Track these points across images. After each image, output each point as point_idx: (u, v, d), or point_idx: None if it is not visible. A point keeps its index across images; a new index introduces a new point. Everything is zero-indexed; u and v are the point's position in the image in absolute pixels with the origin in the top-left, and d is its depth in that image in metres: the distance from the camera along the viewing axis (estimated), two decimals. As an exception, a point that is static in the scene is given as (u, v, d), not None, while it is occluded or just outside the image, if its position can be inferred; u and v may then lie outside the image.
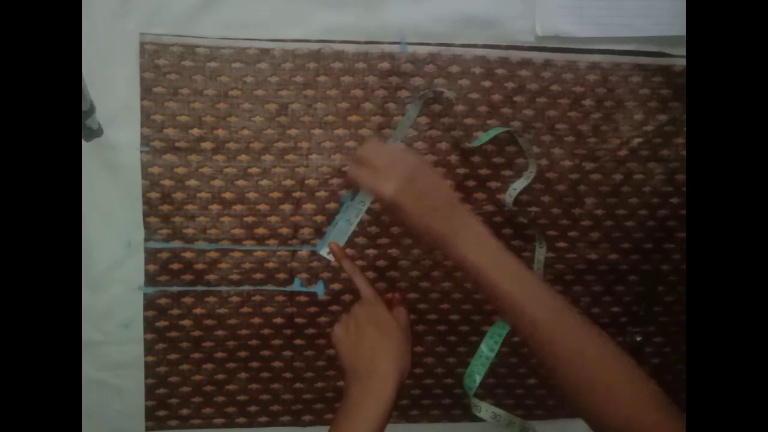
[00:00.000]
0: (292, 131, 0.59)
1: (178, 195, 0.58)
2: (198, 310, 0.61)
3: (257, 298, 0.61)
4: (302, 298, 0.62)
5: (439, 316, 0.63)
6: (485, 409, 0.58)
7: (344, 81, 0.58)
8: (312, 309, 0.62)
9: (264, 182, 0.59)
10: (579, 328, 0.44)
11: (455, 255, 0.46)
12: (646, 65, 0.61)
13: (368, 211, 0.59)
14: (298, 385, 0.64)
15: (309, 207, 0.60)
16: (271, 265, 0.60)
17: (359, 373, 0.50)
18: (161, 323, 0.60)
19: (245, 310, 0.61)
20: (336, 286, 0.62)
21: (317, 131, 0.59)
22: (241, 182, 0.59)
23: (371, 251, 0.61)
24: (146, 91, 0.56)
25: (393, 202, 0.46)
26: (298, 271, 0.61)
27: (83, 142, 0.56)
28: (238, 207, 0.59)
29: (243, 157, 0.58)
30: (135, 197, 0.58)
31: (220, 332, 0.61)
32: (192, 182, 0.58)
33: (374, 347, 0.50)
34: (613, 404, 0.41)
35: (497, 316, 0.63)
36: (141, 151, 0.57)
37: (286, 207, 0.60)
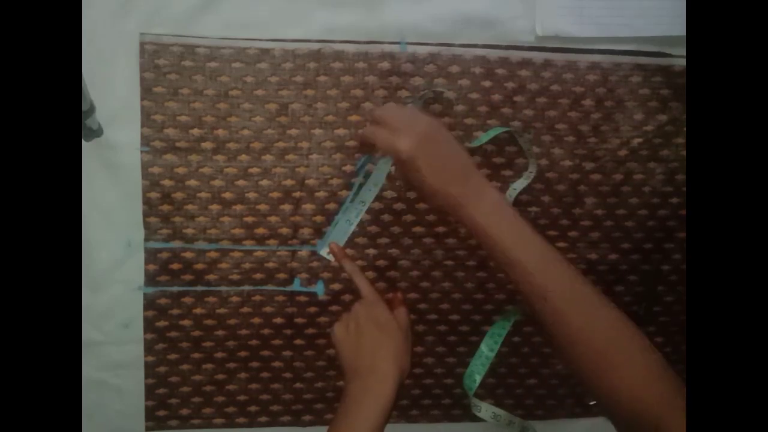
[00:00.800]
0: (293, 131, 0.59)
1: (178, 195, 0.58)
2: (198, 310, 0.61)
3: (257, 298, 0.61)
4: (302, 298, 0.62)
5: (439, 316, 0.63)
6: (485, 409, 0.58)
7: (344, 81, 0.58)
8: (312, 309, 0.62)
9: (264, 182, 0.59)
10: (591, 298, 0.44)
11: (468, 220, 0.45)
12: (646, 65, 0.61)
13: (368, 211, 0.59)
14: (298, 385, 0.64)
15: (309, 207, 0.60)
16: (271, 265, 0.60)
17: (359, 373, 0.50)
18: (161, 323, 0.60)
19: (245, 310, 0.61)
20: (336, 286, 0.62)
21: (317, 131, 0.59)
22: (241, 182, 0.59)
23: (371, 251, 0.61)
24: (146, 91, 0.56)
25: (409, 159, 0.45)
26: (298, 271, 0.61)
27: (83, 142, 0.56)
28: (238, 207, 0.59)
29: (243, 157, 0.58)
30: (135, 197, 0.58)
31: (220, 332, 0.61)
32: (192, 182, 0.58)
33: (374, 347, 0.50)
34: (624, 376, 0.41)
35: (497, 315, 0.64)
36: (141, 151, 0.57)
37: (286, 207, 0.60)
